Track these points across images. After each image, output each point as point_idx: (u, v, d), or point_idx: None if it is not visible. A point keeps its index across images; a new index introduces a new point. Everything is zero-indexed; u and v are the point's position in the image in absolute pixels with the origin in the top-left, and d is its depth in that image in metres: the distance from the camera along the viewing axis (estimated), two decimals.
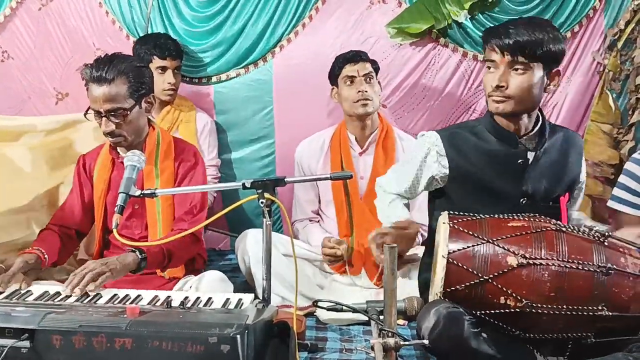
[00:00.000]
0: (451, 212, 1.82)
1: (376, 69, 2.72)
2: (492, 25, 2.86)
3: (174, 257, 2.01)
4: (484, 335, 1.59)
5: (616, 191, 2.50)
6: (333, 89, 2.75)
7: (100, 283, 1.75)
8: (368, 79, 2.64)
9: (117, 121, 2.05)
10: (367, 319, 1.74)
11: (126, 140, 2.10)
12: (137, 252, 1.89)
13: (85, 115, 2.13)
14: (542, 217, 1.78)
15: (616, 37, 2.93)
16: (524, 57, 1.90)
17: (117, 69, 2.03)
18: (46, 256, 2.00)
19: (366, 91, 2.61)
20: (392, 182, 2.21)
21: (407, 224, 2.07)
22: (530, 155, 1.99)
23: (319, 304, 1.78)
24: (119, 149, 2.18)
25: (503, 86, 1.92)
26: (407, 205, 2.24)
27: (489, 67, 1.98)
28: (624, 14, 2.91)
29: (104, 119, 2.04)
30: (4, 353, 1.31)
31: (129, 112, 2.06)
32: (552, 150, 2.02)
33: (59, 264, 2.17)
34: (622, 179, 2.49)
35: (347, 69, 2.64)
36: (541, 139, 2.01)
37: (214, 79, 3.10)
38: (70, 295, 1.70)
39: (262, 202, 1.58)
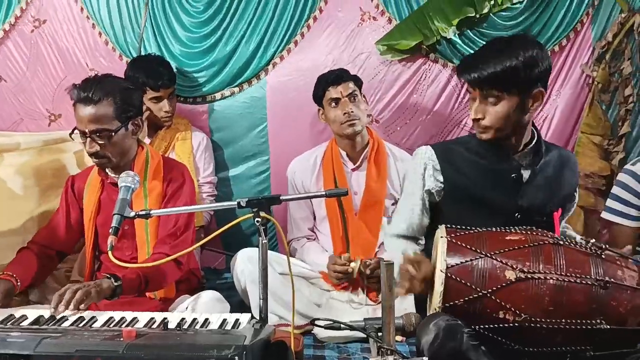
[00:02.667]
0: (448, 225, 1.82)
1: (359, 85, 2.71)
2: (481, 40, 2.92)
3: (151, 283, 1.99)
4: (483, 348, 1.58)
5: (609, 202, 2.52)
6: (319, 110, 2.74)
7: (87, 303, 1.74)
8: (352, 98, 2.62)
9: (101, 142, 2.02)
10: (365, 336, 1.73)
11: (110, 162, 2.08)
12: (112, 279, 1.87)
13: (70, 135, 2.12)
14: (539, 230, 1.78)
15: (604, 50, 2.97)
16: (494, 89, 1.90)
17: (105, 90, 2.02)
18: (18, 282, 1.98)
19: (352, 111, 2.59)
20: (400, 220, 2.13)
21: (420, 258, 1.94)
22: (525, 172, 2.00)
23: (317, 322, 1.77)
24: (107, 170, 2.17)
25: (480, 118, 1.94)
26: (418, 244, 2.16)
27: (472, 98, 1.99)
28: (611, 27, 2.95)
29: (88, 139, 2.02)
30: None
31: (113, 134, 2.03)
32: (548, 168, 2.03)
33: (35, 286, 2.16)
34: (615, 190, 2.51)
35: (330, 91, 2.64)
36: (537, 156, 2.02)
37: (208, 98, 3.12)
38: (66, 319, 1.67)
39: (257, 221, 1.57)
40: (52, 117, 3.18)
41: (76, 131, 2.08)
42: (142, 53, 3.05)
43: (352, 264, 2.45)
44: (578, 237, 2.03)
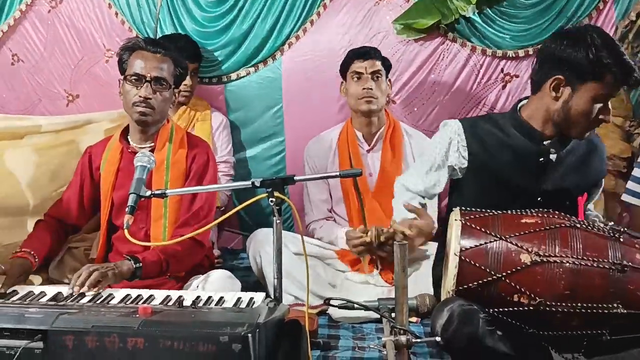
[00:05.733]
0: (463, 208, 1.80)
1: (387, 66, 2.72)
2: (500, 19, 2.86)
3: (173, 265, 2.00)
4: (499, 332, 1.57)
5: (630, 185, 2.49)
6: (342, 83, 2.74)
7: (103, 284, 1.76)
8: (376, 77, 2.63)
9: (157, 91, 2.09)
10: (379, 316, 1.73)
11: (152, 116, 2.10)
12: (133, 261, 1.89)
13: (124, 79, 2.13)
14: (556, 212, 1.75)
15: (627, 29, 2.90)
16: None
17: (168, 49, 2.17)
18: (36, 259, 2.00)
19: (371, 89, 2.60)
20: (417, 180, 2.15)
21: (422, 212, 2.06)
22: (553, 156, 1.96)
23: (331, 302, 1.77)
24: (129, 139, 2.19)
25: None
26: (424, 206, 2.19)
27: (602, 99, 1.85)
28: (634, 5, 2.88)
29: (145, 84, 2.07)
30: (17, 354, 1.32)
31: (167, 89, 2.12)
32: (576, 153, 2.00)
33: (51, 258, 2.18)
34: (636, 172, 2.47)
35: (355, 65, 2.64)
36: (564, 141, 1.98)
37: (224, 78, 3.12)
38: (84, 295, 1.70)
39: (272, 201, 1.57)
40: (69, 97, 3.21)
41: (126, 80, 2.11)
42: (159, 33, 3.05)
43: (369, 233, 2.44)
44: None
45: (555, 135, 1.96)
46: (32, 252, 2.00)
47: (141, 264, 1.90)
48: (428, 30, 2.92)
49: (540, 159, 1.95)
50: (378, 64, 2.66)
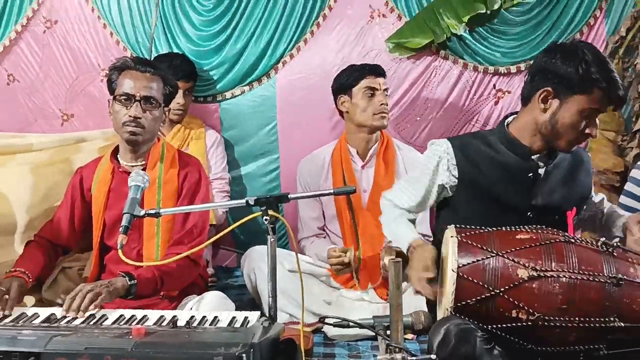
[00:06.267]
0: (457, 225, 1.80)
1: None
2: (492, 36, 2.90)
3: (168, 283, 1.99)
4: (497, 350, 1.56)
5: (622, 199, 2.49)
6: (341, 97, 2.72)
7: (97, 304, 1.74)
8: (386, 94, 2.68)
9: (147, 110, 2.09)
10: (374, 334, 1.72)
11: (142, 135, 2.10)
12: (127, 278, 1.88)
13: (113, 99, 2.13)
14: (549, 228, 1.76)
15: (617, 45, 2.93)
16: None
17: (158, 68, 2.18)
18: (30, 278, 1.99)
19: (387, 104, 2.65)
20: (402, 196, 2.16)
21: (421, 243, 1.98)
22: (541, 170, 1.98)
23: (326, 320, 1.76)
24: (119, 159, 2.18)
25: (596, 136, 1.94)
26: (413, 221, 2.19)
27: (589, 114, 1.86)
28: (624, 21, 2.91)
29: (135, 104, 2.07)
30: None
31: (157, 108, 2.12)
32: (562, 167, 2.01)
33: (43, 279, 2.17)
34: (628, 186, 2.48)
35: (369, 80, 2.65)
36: (552, 154, 2.00)
37: (219, 97, 3.13)
38: (77, 317, 1.69)
39: (266, 219, 1.57)
40: (64, 117, 3.21)
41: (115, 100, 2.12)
42: (153, 52, 3.07)
43: (347, 254, 2.45)
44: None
45: (543, 149, 1.97)
46: (26, 272, 1.99)
47: (136, 281, 1.88)
48: (421, 49, 2.95)
49: (530, 175, 1.96)
50: (385, 81, 2.70)
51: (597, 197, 2.19)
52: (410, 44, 2.93)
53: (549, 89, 1.89)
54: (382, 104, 2.63)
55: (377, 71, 2.69)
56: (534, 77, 1.95)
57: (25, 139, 2.49)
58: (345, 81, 2.71)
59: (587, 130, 1.89)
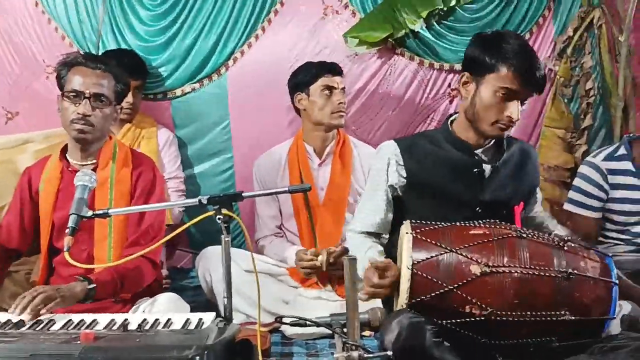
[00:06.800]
0: (413, 221, 1.81)
1: None
2: (449, 33, 2.94)
3: (127, 286, 1.94)
4: (447, 343, 1.58)
5: (571, 194, 2.56)
6: (298, 95, 2.69)
7: (50, 308, 1.67)
8: (343, 92, 2.67)
9: (96, 108, 2.02)
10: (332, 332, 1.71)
11: (91, 133, 2.03)
12: (87, 282, 1.82)
13: (62, 96, 2.05)
14: (503, 223, 1.79)
15: (566, 44, 3.02)
16: (536, 92, 1.93)
17: (109, 64, 2.10)
18: None
19: (344, 103, 2.64)
20: (365, 217, 2.09)
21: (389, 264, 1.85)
22: (486, 167, 2.00)
23: (283, 319, 1.74)
24: (69, 157, 2.11)
25: (518, 119, 1.92)
26: (381, 243, 2.12)
27: (502, 94, 1.89)
28: (571, 21, 3.00)
29: (84, 101, 2.00)
30: None
31: (108, 106, 2.05)
32: (510, 163, 2.05)
33: None
34: (577, 181, 2.55)
35: (326, 79, 2.64)
36: (499, 151, 2.03)
37: (169, 94, 3.06)
38: (23, 324, 1.61)
39: (219, 218, 1.54)
40: (9, 115, 3.07)
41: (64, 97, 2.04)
42: (101, 48, 2.98)
43: (320, 258, 2.44)
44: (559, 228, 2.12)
45: (481, 140, 2.00)
46: None
47: (95, 285, 1.82)
48: (379, 44, 2.95)
49: (475, 170, 1.99)
50: (342, 80, 2.69)
51: (538, 196, 2.23)
52: (368, 37, 2.92)
53: (467, 73, 1.97)
54: (340, 103, 2.62)
55: (334, 70, 2.68)
56: (462, 69, 2.03)
57: None
58: (302, 79, 2.68)
59: (507, 113, 1.90)
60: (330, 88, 2.63)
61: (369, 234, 2.10)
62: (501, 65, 1.87)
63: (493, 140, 2.02)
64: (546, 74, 2.00)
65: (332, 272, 2.46)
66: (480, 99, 1.92)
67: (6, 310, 1.71)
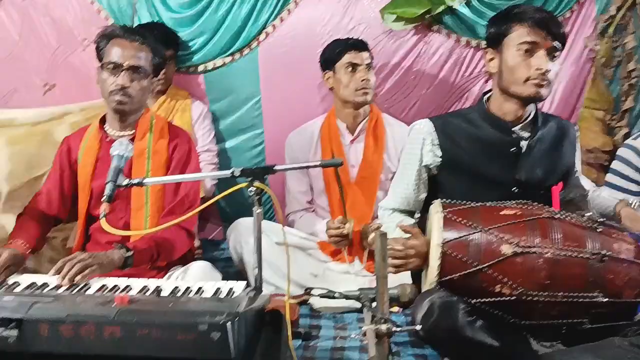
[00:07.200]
0: (443, 200, 1.80)
1: (372, 58, 2.70)
2: (487, 10, 2.86)
3: (163, 254, 1.98)
4: (479, 323, 1.58)
5: (609, 177, 2.51)
6: (326, 73, 2.70)
7: (88, 274, 1.72)
8: (368, 68, 2.63)
9: (135, 80, 2.06)
10: (360, 306, 1.72)
11: (129, 105, 2.07)
12: (124, 250, 1.86)
13: (101, 67, 2.09)
14: (535, 204, 1.77)
15: (607, 23, 2.93)
16: (559, 42, 1.90)
17: (147, 37, 2.14)
18: (27, 248, 1.96)
19: (369, 80, 2.60)
20: (396, 195, 2.12)
21: (417, 231, 1.90)
22: (524, 144, 1.97)
23: (312, 291, 1.76)
24: (107, 128, 2.15)
25: (549, 70, 1.88)
26: (412, 213, 2.14)
27: (525, 51, 1.88)
28: (614, 0, 2.90)
29: (123, 72, 2.04)
30: None
31: (145, 78, 2.09)
32: (546, 140, 2.00)
33: (38, 249, 2.13)
34: (615, 165, 2.50)
35: (350, 56, 2.61)
36: (534, 128, 1.99)
37: (200, 67, 3.06)
38: (60, 286, 1.67)
39: (251, 190, 1.56)
40: (46, 86, 3.13)
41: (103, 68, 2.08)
42: (135, 21, 3.00)
43: (347, 225, 2.45)
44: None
45: (520, 112, 1.96)
46: (23, 243, 1.96)
47: (132, 252, 1.87)
48: (415, 20, 2.88)
49: (512, 149, 1.96)
50: (369, 56, 2.65)
51: (583, 179, 2.19)
52: (405, 13, 2.85)
53: (489, 49, 2.00)
54: (363, 80, 2.59)
55: (359, 46, 2.64)
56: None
57: (8, 114, 2.45)
58: (329, 56, 2.68)
59: (535, 66, 1.87)
60: (354, 65, 2.61)
61: (401, 211, 2.10)
62: (514, 24, 1.90)
63: (530, 115, 1.98)
64: (563, 25, 2.02)
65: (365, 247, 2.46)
66: (506, 64, 1.92)
67: (44, 274, 1.76)
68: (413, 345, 1.98)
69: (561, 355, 1.61)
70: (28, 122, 2.41)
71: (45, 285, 1.66)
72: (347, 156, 2.67)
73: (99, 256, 1.80)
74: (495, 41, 1.96)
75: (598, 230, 1.67)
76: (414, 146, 2.05)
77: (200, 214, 2.80)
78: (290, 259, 1.62)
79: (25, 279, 1.71)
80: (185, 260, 2.16)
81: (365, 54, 2.64)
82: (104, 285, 1.67)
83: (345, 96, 2.63)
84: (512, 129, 1.97)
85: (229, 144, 3.14)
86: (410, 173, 2.07)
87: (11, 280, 1.72)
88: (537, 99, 1.92)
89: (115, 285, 1.67)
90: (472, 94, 3.00)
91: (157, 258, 1.97)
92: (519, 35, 1.89)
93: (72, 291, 1.63)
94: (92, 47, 2.21)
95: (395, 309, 2.20)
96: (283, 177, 2.80)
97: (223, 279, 2.01)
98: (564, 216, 1.70)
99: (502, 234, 1.65)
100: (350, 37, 2.75)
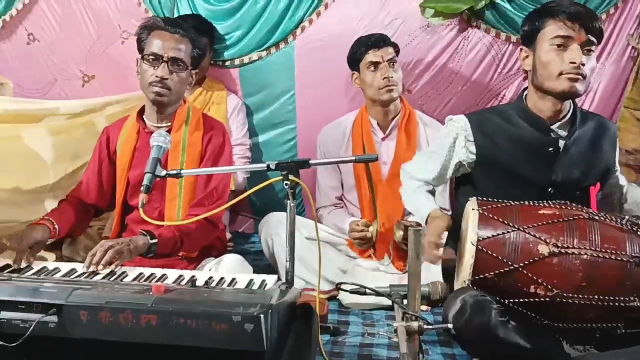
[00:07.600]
0: (479, 197, 1.78)
1: (397, 52, 2.67)
2: (530, 6, 2.76)
3: (187, 243, 2.01)
4: (512, 324, 1.56)
5: None
6: (354, 74, 2.69)
7: (119, 262, 1.76)
8: (391, 64, 2.60)
9: (174, 72, 2.09)
10: (389, 303, 1.74)
11: (167, 96, 2.10)
12: (148, 237, 1.89)
13: (141, 58, 2.12)
14: (573, 204, 1.73)
15: None
16: (594, 38, 1.87)
17: (188, 29, 2.16)
18: (56, 226, 1.98)
19: (392, 77, 2.57)
20: (420, 168, 2.17)
21: (438, 215, 1.98)
22: (561, 144, 1.94)
23: (342, 286, 1.77)
24: (145, 119, 2.19)
25: (583, 64, 1.85)
26: (432, 192, 2.19)
27: (558, 45, 1.86)
28: None
29: (162, 64, 2.07)
30: (32, 327, 1.32)
31: (184, 70, 2.11)
32: (584, 139, 1.97)
33: (75, 235, 2.19)
34: None
35: (370, 55, 2.59)
36: (572, 127, 1.95)
37: (236, 61, 3.07)
38: (97, 273, 1.71)
39: (286, 184, 1.57)
40: (85, 77, 3.20)
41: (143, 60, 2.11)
42: (175, 14, 3.03)
43: (370, 228, 2.44)
44: None
45: (558, 106, 1.92)
46: (53, 221, 1.99)
47: (156, 240, 1.90)
48: (455, 15, 2.82)
49: (550, 149, 1.93)
50: (391, 50, 2.62)
51: (622, 179, 2.15)
52: (447, 8, 2.79)
53: (523, 48, 1.98)
54: (384, 78, 2.55)
55: (378, 43, 2.60)
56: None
57: (53, 104, 2.50)
58: (352, 58, 2.66)
59: (568, 60, 1.84)
60: (375, 64, 2.58)
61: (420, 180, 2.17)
62: (547, 19, 1.88)
63: (569, 114, 1.95)
64: (600, 20, 1.95)
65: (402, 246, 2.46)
66: (540, 60, 1.90)
67: (80, 262, 1.81)
68: (441, 344, 1.97)
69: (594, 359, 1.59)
70: (70, 112, 2.46)
71: (84, 273, 1.70)
72: (378, 153, 2.64)
73: (125, 241, 1.84)
74: (529, 38, 1.94)
75: (638, 233, 1.63)
76: (446, 140, 2.05)
77: (232, 208, 2.83)
78: (320, 254, 1.63)
79: (65, 266, 1.76)
80: (217, 252, 2.19)
81: (386, 50, 2.59)
82: (140, 274, 1.71)
83: (371, 95, 2.62)
84: (551, 128, 1.93)
85: (261, 138, 3.16)
86: (437, 161, 2.09)
87: (51, 266, 1.77)
88: (572, 94, 1.89)
89: (152, 274, 1.70)
90: (509, 91, 2.94)
91: (180, 247, 2.00)
92: (552, 29, 1.87)
93: (109, 279, 1.67)
94: (131, 39, 2.25)
95: (424, 307, 2.19)
96: (314, 172, 2.80)
97: (253, 272, 2.04)
98: (603, 217, 1.67)
99: (539, 234, 1.63)
100: (376, 33, 2.69)
